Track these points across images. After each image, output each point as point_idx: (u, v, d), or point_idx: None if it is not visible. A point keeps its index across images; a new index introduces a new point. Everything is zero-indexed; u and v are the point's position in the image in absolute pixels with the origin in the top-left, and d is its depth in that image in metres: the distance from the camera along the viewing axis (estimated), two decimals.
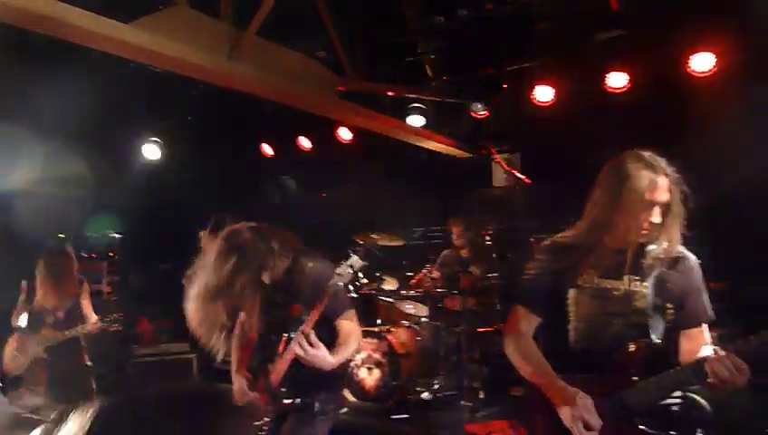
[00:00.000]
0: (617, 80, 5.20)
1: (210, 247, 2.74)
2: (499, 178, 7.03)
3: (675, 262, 2.20)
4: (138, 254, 7.71)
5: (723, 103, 4.97)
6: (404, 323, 5.65)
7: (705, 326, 2.22)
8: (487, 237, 5.73)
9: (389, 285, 6.00)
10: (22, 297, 4.44)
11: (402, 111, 6.18)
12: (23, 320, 4.38)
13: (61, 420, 0.87)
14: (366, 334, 5.14)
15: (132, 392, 0.92)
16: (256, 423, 2.79)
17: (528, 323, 2.34)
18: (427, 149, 6.68)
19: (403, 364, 5.08)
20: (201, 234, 4.00)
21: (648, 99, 5.51)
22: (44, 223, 4.59)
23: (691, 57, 4.80)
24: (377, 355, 5.12)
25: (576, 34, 5.54)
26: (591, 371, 2.13)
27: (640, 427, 2.05)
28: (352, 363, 5.11)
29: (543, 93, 5.66)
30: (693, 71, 4.81)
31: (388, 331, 5.29)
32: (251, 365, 2.98)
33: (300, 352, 2.52)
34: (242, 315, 2.71)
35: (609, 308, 2.20)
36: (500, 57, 5.86)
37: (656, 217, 2.12)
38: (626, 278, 2.21)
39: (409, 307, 5.84)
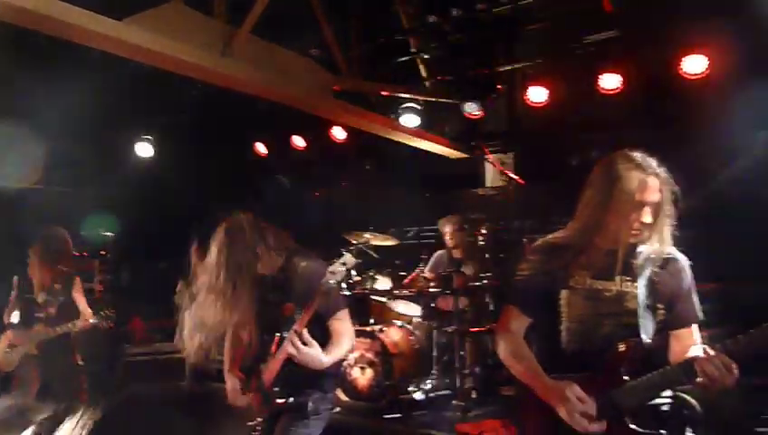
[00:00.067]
0: (609, 81, 5.22)
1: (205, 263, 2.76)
2: (492, 178, 7.05)
3: (665, 262, 2.21)
4: (130, 252, 7.68)
5: (714, 105, 5.00)
6: (397, 322, 5.65)
7: (694, 327, 2.23)
8: (480, 237, 5.74)
9: (382, 284, 6.00)
10: (14, 293, 4.42)
11: (396, 110, 6.19)
12: (15, 316, 4.36)
13: (54, 422, 0.87)
14: (359, 334, 5.13)
15: (128, 395, 0.91)
16: (250, 423, 2.79)
17: (519, 323, 2.35)
18: (421, 149, 6.69)
19: (396, 364, 5.08)
20: (192, 252, 3.95)
21: (640, 100, 5.54)
22: (35, 220, 4.56)
23: (683, 59, 4.82)
24: (369, 355, 5.11)
25: (569, 36, 5.57)
26: (582, 371, 2.15)
27: (631, 426, 2.07)
28: (345, 363, 5.11)
29: (537, 94, 5.67)
30: (685, 73, 4.83)
31: (381, 330, 5.28)
32: (243, 365, 2.97)
33: (293, 351, 2.52)
34: (235, 315, 2.71)
35: (601, 309, 2.21)
36: (494, 58, 5.88)
37: (646, 218, 2.13)
38: (617, 279, 2.22)
39: (402, 307, 5.84)
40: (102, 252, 7.14)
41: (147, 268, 7.74)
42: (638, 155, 2.18)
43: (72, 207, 6.77)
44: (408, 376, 5.31)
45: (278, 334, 2.68)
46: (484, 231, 5.74)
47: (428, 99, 6.24)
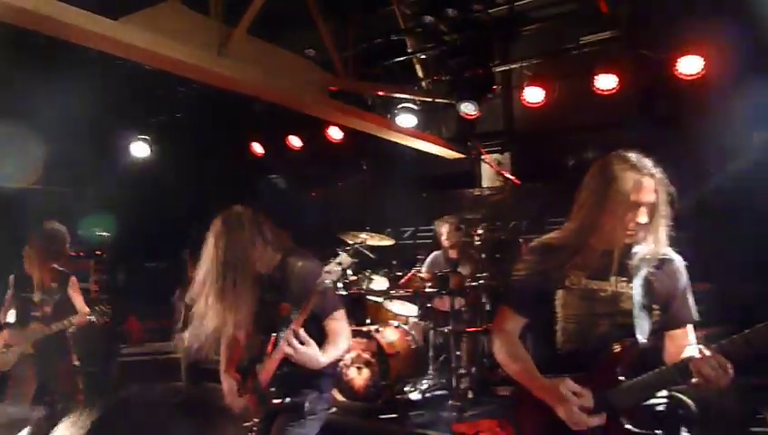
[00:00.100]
0: (605, 82, 5.23)
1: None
2: (488, 178, 7.07)
3: (661, 263, 2.22)
4: (126, 252, 7.66)
5: (710, 106, 5.02)
6: (393, 323, 5.66)
7: (689, 327, 2.24)
8: (476, 238, 5.75)
9: (379, 284, 6.01)
10: (10, 292, 4.41)
11: (392, 110, 6.19)
12: (11, 316, 4.35)
13: (50, 422, 0.87)
14: (355, 334, 5.13)
15: (124, 396, 0.91)
16: (246, 424, 2.79)
17: (515, 323, 2.36)
18: (417, 149, 6.69)
19: (392, 364, 5.08)
20: (187, 256, 3.94)
21: (636, 101, 5.56)
22: (33, 220, 4.55)
23: (679, 60, 4.83)
24: (366, 355, 5.11)
25: (565, 36, 5.59)
26: (578, 371, 2.15)
27: (626, 426, 2.07)
28: (341, 363, 5.11)
29: (533, 94, 5.68)
30: (681, 73, 4.85)
31: (377, 331, 5.28)
32: (240, 366, 2.97)
33: (289, 350, 2.51)
34: (237, 315, 2.70)
35: (597, 309, 2.22)
36: (490, 58, 5.89)
37: (642, 218, 2.13)
38: (613, 279, 2.22)
39: (398, 307, 5.85)
40: (98, 252, 7.12)
41: (142, 268, 7.73)
42: (633, 156, 2.18)
43: (69, 207, 6.76)
44: (404, 376, 5.32)
45: (274, 334, 2.68)
46: (480, 231, 5.75)
47: (425, 99, 6.25)
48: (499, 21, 5.60)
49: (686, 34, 4.88)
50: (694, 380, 1.94)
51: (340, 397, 5.14)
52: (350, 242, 5.74)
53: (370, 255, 5.98)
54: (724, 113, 4.80)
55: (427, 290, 5.48)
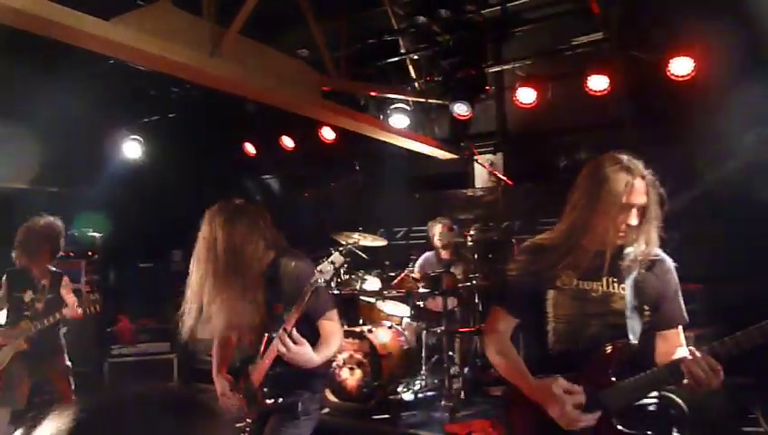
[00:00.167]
0: (597, 83, 5.25)
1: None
2: (481, 179, 7.08)
3: (652, 264, 2.23)
4: (118, 253, 7.62)
5: (701, 107, 5.05)
6: (386, 323, 5.66)
7: (680, 328, 2.26)
8: (469, 238, 5.76)
9: (371, 285, 6.01)
10: (1, 292, 4.38)
11: (385, 111, 6.19)
12: (2, 316, 4.33)
13: (36, 421, 0.87)
14: (347, 335, 5.14)
15: (109, 395, 0.91)
16: (239, 425, 2.79)
17: (507, 323, 2.37)
18: (410, 150, 6.69)
19: (384, 365, 5.09)
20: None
21: (627, 102, 5.59)
22: (21, 220, 4.51)
23: (670, 61, 4.86)
24: (358, 355, 5.12)
25: (557, 37, 5.61)
26: (569, 371, 2.16)
27: (618, 426, 2.08)
28: (334, 364, 5.11)
29: (525, 95, 5.70)
30: (672, 75, 4.88)
31: (370, 331, 5.29)
32: (232, 367, 2.96)
33: (282, 349, 2.51)
34: (227, 312, 2.68)
35: (588, 309, 2.23)
36: (483, 59, 5.90)
37: (633, 220, 2.15)
38: (604, 280, 2.23)
39: (391, 307, 5.85)
40: (90, 252, 7.08)
41: (134, 269, 7.69)
42: (625, 157, 2.20)
43: (61, 207, 6.72)
44: (396, 377, 5.32)
45: (266, 335, 2.67)
46: (472, 232, 5.76)
47: (417, 99, 6.25)
48: (492, 22, 5.62)
49: (677, 36, 4.91)
50: (685, 381, 1.96)
51: (332, 397, 5.14)
52: (343, 242, 5.74)
53: (363, 255, 5.98)
54: (715, 114, 4.83)
55: (420, 290, 5.49)
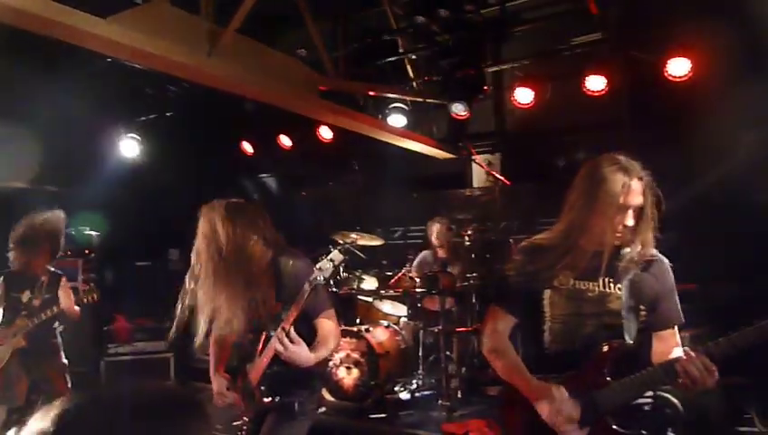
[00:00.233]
0: (595, 83, 5.26)
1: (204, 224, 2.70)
2: (479, 178, 7.09)
3: (648, 264, 2.24)
4: (115, 252, 7.62)
5: (699, 107, 5.06)
6: (383, 322, 5.67)
7: (676, 328, 2.27)
8: (466, 238, 5.77)
9: (369, 284, 6.01)
10: None
11: (383, 110, 6.19)
12: None
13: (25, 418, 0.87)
14: (345, 334, 5.14)
15: (98, 393, 0.91)
16: (236, 423, 2.79)
17: (505, 323, 2.37)
18: (408, 150, 6.70)
19: (381, 364, 5.09)
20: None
21: (625, 102, 5.60)
22: (17, 219, 4.49)
23: (668, 62, 4.87)
24: (355, 355, 5.12)
25: (556, 37, 5.61)
26: (565, 371, 2.17)
27: (613, 426, 2.09)
28: (331, 363, 5.11)
29: (523, 95, 5.70)
30: (669, 75, 4.89)
31: (367, 330, 5.29)
32: (229, 365, 2.96)
33: (280, 348, 2.51)
34: (226, 311, 2.68)
35: (584, 309, 2.23)
36: (481, 59, 5.90)
37: (629, 221, 2.16)
38: (601, 280, 2.24)
39: (388, 307, 5.86)
40: (87, 251, 7.07)
41: (131, 268, 7.68)
42: (622, 158, 2.20)
43: (60, 207, 6.71)
44: (393, 376, 5.33)
45: (264, 333, 2.68)
46: (470, 232, 5.77)
47: (415, 99, 6.25)
48: (491, 22, 5.62)
49: (675, 37, 4.92)
50: (680, 380, 1.97)
51: (329, 397, 5.15)
52: (341, 242, 5.74)
53: (361, 254, 5.99)
54: (713, 115, 4.84)
55: (417, 290, 5.50)
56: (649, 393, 2.19)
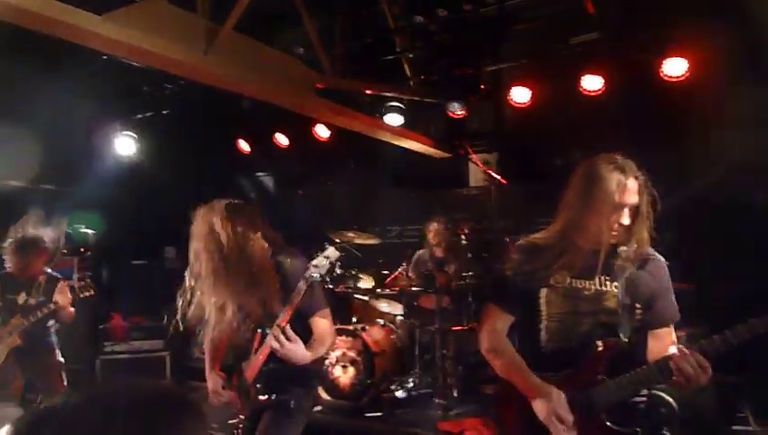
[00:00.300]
0: (592, 83, 5.27)
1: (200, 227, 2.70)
2: (475, 177, 7.09)
3: (644, 263, 2.25)
4: (111, 250, 7.60)
5: (694, 108, 5.08)
6: (379, 321, 5.67)
7: (672, 326, 2.28)
8: (463, 237, 5.77)
9: (365, 283, 6.02)
10: None
11: (380, 109, 6.19)
12: None
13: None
14: (341, 332, 5.15)
15: (85, 392, 0.91)
16: (231, 421, 2.79)
17: (502, 321, 2.38)
18: (405, 148, 6.70)
19: (377, 363, 5.09)
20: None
21: (621, 102, 5.60)
22: (13, 218, 4.48)
23: (664, 62, 4.88)
24: (351, 353, 5.12)
25: (553, 37, 5.61)
26: (562, 369, 2.18)
27: (607, 424, 2.10)
28: (327, 361, 5.11)
29: (520, 95, 5.71)
30: (666, 75, 4.90)
31: (363, 329, 5.29)
32: (225, 363, 2.96)
33: (276, 345, 2.51)
34: (217, 311, 2.69)
35: (580, 307, 2.24)
36: (478, 58, 5.90)
37: (625, 219, 2.16)
38: (597, 279, 2.25)
39: (385, 305, 5.86)
40: (82, 249, 7.06)
41: (127, 266, 7.67)
42: (618, 157, 2.21)
43: (56, 205, 6.70)
44: (389, 375, 5.33)
45: (260, 331, 2.68)
46: (466, 230, 5.78)
47: (412, 98, 6.25)
48: (488, 21, 5.62)
49: (672, 37, 4.93)
50: (674, 378, 1.97)
51: (325, 395, 5.14)
52: (337, 240, 5.74)
53: (357, 253, 5.99)
54: (708, 115, 4.85)
55: (414, 289, 5.50)
56: (644, 392, 2.20)
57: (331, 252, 2.63)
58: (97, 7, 3.56)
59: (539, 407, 2.12)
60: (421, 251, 6.21)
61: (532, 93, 5.66)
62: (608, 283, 2.24)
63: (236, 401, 2.81)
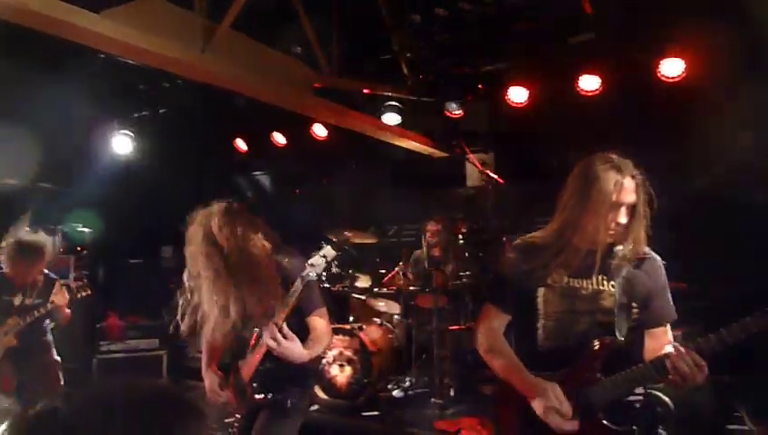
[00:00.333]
0: (589, 83, 5.28)
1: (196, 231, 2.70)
2: (473, 177, 7.09)
3: (641, 262, 2.25)
4: (108, 249, 7.59)
5: (690, 108, 5.09)
6: (376, 320, 5.67)
7: (668, 326, 2.28)
8: (460, 236, 5.77)
9: (362, 282, 6.02)
10: None
11: (377, 108, 6.19)
12: None
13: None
14: (338, 331, 5.15)
15: (83, 392, 0.91)
16: (228, 420, 2.79)
17: (499, 321, 2.38)
18: (402, 148, 6.70)
19: (374, 362, 5.09)
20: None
21: (618, 102, 5.61)
22: (10, 217, 4.47)
23: (661, 62, 4.89)
24: (348, 352, 5.12)
25: (550, 37, 5.62)
26: (559, 368, 2.18)
27: (603, 422, 2.10)
28: (324, 360, 5.11)
29: (517, 94, 5.71)
30: (662, 76, 4.91)
31: (360, 328, 5.29)
32: (222, 362, 2.96)
33: (272, 344, 2.51)
34: (216, 309, 2.68)
35: (577, 307, 2.24)
36: (475, 57, 5.90)
37: (622, 218, 2.17)
38: (594, 278, 2.25)
39: (382, 305, 5.86)
40: (79, 248, 7.04)
41: (124, 265, 7.65)
42: (615, 157, 2.22)
43: (53, 204, 6.70)
44: (386, 374, 5.33)
45: (257, 330, 2.68)
46: (464, 230, 5.78)
47: (410, 97, 6.25)
48: (486, 21, 5.62)
49: (668, 37, 4.94)
50: (670, 377, 1.98)
51: (322, 394, 5.14)
52: (334, 240, 5.74)
53: (354, 253, 5.98)
54: (705, 115, 4.86)
55: (411, 288, 5.50)
56: (641, 391, 2.20)
57: (328, 251, 2.63)
58: (95, 5, 3.55)
59: (538, 406, 2.12)
60: (419, 251, 6.22)
61: (530, 93, 5.67)
62: (605, 282, 2.24)
63: (232, 399, 2.80)
